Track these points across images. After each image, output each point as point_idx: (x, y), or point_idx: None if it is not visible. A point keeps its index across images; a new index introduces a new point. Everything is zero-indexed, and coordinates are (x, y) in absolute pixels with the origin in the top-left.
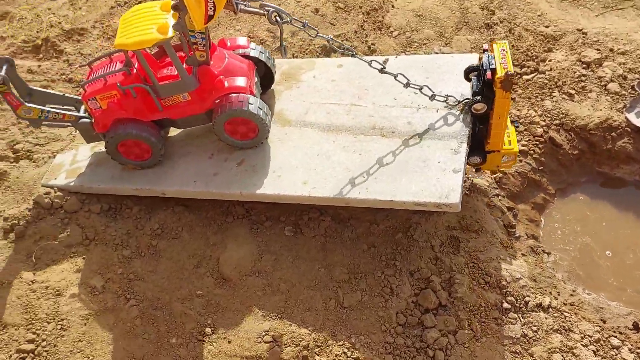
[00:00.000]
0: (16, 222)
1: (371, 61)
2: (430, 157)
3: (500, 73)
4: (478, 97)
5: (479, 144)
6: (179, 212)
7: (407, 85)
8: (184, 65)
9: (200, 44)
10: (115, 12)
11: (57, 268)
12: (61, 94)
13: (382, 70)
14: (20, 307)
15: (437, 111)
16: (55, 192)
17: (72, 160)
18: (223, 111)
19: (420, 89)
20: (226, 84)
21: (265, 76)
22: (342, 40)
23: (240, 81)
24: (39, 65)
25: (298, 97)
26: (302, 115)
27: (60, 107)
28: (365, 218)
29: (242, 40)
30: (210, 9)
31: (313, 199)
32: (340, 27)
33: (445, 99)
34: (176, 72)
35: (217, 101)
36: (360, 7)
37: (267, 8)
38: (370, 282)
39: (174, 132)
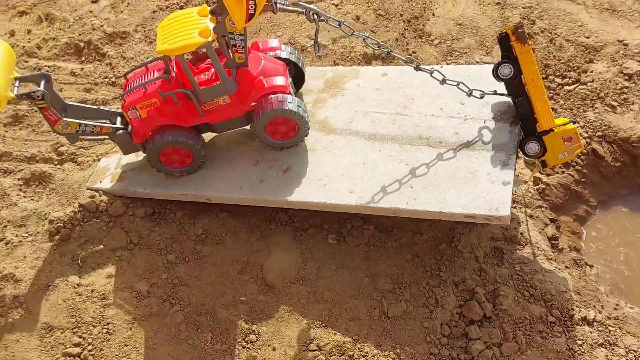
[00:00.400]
0: (62, 225)
1: (432, 70)
2: (478, 169)
3: (510, 27)
4: (503, 60)
5: (529, 128)
6: (223, 217)
7: (469, 94)
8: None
9: (239, 46)
10: (156, 16)
11: (103, 272)
12: (96, 107)
13: (443, 81)
14: (66, 310)
15: (484, 122)
16: (100, 196)
17: (117, 163)
18: (264, 112)
19: (470, 93)
20: (265, 84)
21: (297, 76)
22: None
23: (279, 80)
24: (82, 68)
25: (343, 105)
26: (347, 123)
27: (97, 119)
28: (408, 227)
29: (274, 42)
30: (252, 7)
31: (360, 208)
32: (382, 34)
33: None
34: (213, 77)
35: (253, 104)
36: (401, 15)
37: (305, 8)
38: (414, 292)
39: (217, 138)
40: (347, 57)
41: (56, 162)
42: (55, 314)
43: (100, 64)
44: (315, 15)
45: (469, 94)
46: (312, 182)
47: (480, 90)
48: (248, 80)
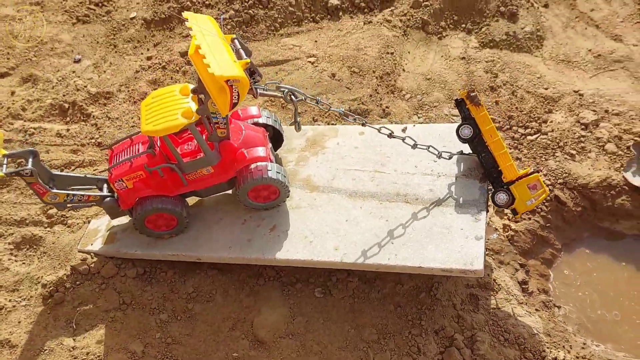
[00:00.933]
0: (54, 288)
1: (404, 137)
2: (452, 224)
3: (463, 93)
4: (462, 122)
5: (496, 180)
6: (212, 275)
7: (439, 156)
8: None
9: (221, 123)
10: (140, 75)
11: (97, 333)
12: (82, 175)
13: (414, 146)
14: None
15: (455, 178)
16: (92, 258)
17: (107, 225)
18: (246, 181)
19: (439, 156)
20: (247, 156)
21: (275, 137)
22: (358, 104)
23: (260, 151)
24: (68, 129)
25: (324, 163)
26: (330, 181)
27: (83, 187)
28: (389, 278)
29: (253, 110)
30: (235, 97)
31: (345, 265)
32: (356, 91)
33: (449, 155)
34: (196, 148)
35: (237, 171)
36: (374, 72)
37: (282, 89)
38: (398, 341)
39: (205, 199)
40: (325, 113)
41: (46, 225)
42: None
43: (86, 125)
44: (292, 97)
45: (439, 156)
46: (298, 239)
47: (448, 152)
48: (230, 151)
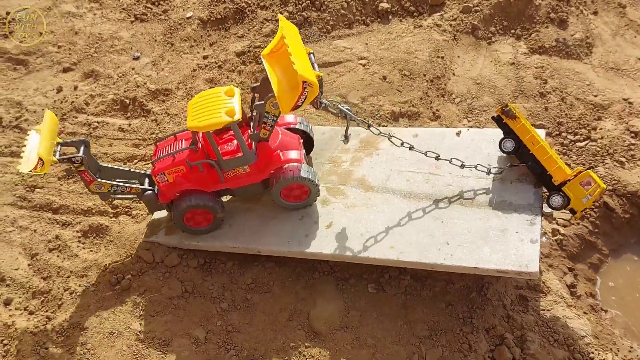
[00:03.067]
0: (121, 275)
1: (426, 152)
2: (508, 227)
3: (498, 109)
4: (504, 137)
5: (549, 184)
6: (270, 267)
7: (488, 172)
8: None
9: (269, 125)
10: (196, 74)
11: (161, 319)
12: (127, 169)
13: (462, 166)
14: (131, 356)
15: (510, 183)
16: (155, 247)
17: (169, 217)
18: (279, 180)
19: (488, 172)
20: (282, 157)
21: (308, 142)
22: (409, 107)
23: (294, 154)
24: (129, 124)
25: (378, 164)
26: (384, 181)
27: (127, 180)
28: (441, 277)
29: (290, 118)
30: (302, 99)
31: (401, 263)
32: (407, 93)
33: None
34: (236, 148)
35: (271, 172)
36: (424, 75)
37: (342, 111)
38: (449, 338)
39: (265, 195)
40: (376, 114)
41: (111, 215)
42: None
43: (146, 120)
44: (347, 112)
45: (488, 172)
46: (354, 237)
47: (498, 167)
48: (267, 153)
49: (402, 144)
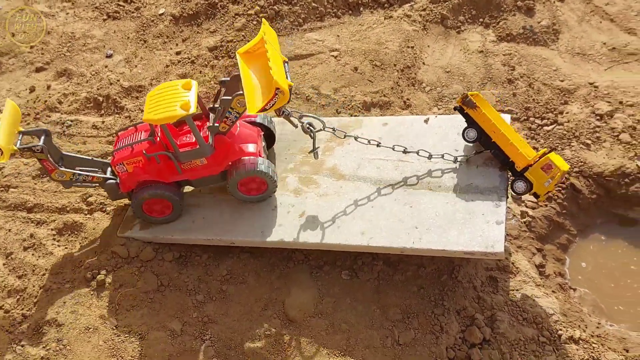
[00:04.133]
0: (96, 271)
1: (394, 146)
2: (474, 210)
3: (459, 100)
4: (466, 126)
5: (512, 170)
6: (244, 259)
7: (455, 161)
8: (203, 133)
9: (230, 120)
10: (169, 70)
11: (137, 313)
12: (89, 158)
13: (430, 157)
14: (107, 350)
15: (477, 167)
16: (130, 242)
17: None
18: (236, 173)
19: (455, 160)
20: (239, 150)
21: (269, 136)
22: (380, 97)
23: (251, 147)
24: (103, 122)
25: (349, 153)
26: (355, 170)
27: (89, 169)
28: (413, 262)
29: None
30: (271, 104)
31: (371, 248)
32: (378, 83)
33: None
34: (194, 140)
35: (229, 165)
36: (395, 65)
37: (302, 121)
38: (421, 320)
39: None
40: (348, 105)
41: (86, 212)
42: (97, 355)
43: (120, 117)
44: (310, 128)
45: (454, 161)
46: (326, 225)
47: (464, 154)
48: (224, 145)
49: (369, 142)
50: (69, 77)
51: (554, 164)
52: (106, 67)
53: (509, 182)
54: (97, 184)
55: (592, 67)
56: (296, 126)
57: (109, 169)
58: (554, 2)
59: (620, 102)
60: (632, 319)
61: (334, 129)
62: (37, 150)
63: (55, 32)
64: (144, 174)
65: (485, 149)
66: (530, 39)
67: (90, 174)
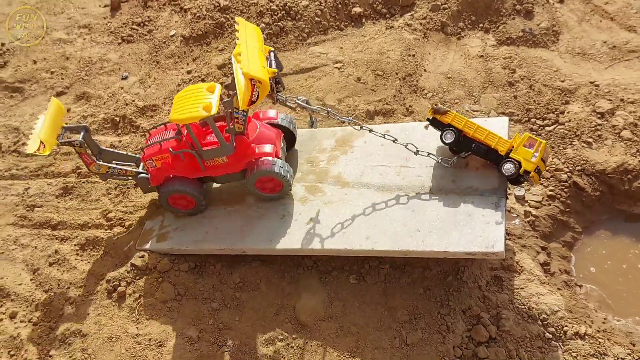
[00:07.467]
0: (117, 283)
1: (417, 151)
2: (474, 212)
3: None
4: (444, 130)
5: (497, 158)
6: (256, 266)
7: (449, 164)
8: (224, 134)
9: (240, 119)
10: (181, 88)
11: (156, 322)
12: (125, 153)
13: (415, 153)
14: (129, 358)
15: (476, 170)
16: (148, 255)
17: (160, 225)
18: (254, 172)
19: (447, 164)
20: (257, 150)
21: (290, 137)
22: (383, 105)
23: (268, 148)
24: (120, 140)
25: (353, 161)
26: (359, 177)
27: (125, 163)
28: (418, 264)
29: (271, 113)
30: (255, 96)
31: (376, 252)
32: (381, 92)
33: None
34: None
35: (247, 164)
36: (397, 74)
37: (297, 101)
38: (428, 321)
39: (247, 196)
40: (352, 114)
41: (106, 227)
42: None
43: (136, 135)
44: (307, 103)
45: (439, 162)
46: (332, 231)
47: (447, 159)
48: (243, 145)
49: (383, 136)
50: (87, 100)
51: (534, 139)
52: (122, 88)
53: (500, 165)
54: (131, 177)
55: (592, 66)
56: (294, 109)
57: (142, 164)
58: (554, 3)
59: (622, 100)
60: (639, 313)
61: (328, 112)
62: (76, 144)
63: (74, 57)
64: (171, 170)
65: (467, 151)
66: (530, 41)
67: (124, 168)
